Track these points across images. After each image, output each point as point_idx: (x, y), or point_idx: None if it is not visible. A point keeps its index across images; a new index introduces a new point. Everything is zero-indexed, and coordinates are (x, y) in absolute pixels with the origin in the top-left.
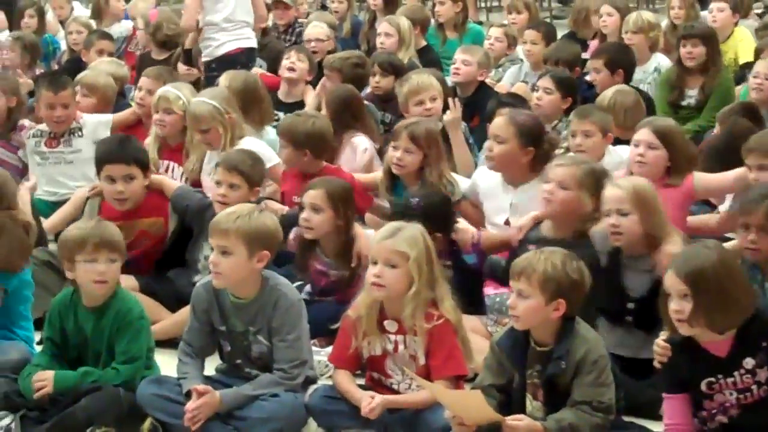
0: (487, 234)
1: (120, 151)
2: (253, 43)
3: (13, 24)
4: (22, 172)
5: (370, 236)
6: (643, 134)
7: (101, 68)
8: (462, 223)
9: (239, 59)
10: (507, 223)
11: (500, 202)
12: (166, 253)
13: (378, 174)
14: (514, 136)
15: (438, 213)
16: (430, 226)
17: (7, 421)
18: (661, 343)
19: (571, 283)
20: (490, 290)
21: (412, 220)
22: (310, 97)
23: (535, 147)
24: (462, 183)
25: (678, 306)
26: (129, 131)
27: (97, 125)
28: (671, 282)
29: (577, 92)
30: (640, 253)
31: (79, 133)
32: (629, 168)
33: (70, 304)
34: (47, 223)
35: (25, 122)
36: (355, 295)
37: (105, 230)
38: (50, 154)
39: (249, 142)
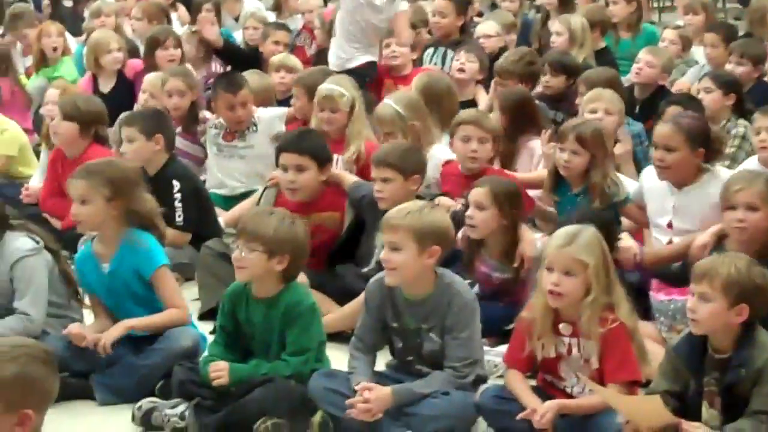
0: (651, 251)
1: (295, 141)
2: (376, 55)
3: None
4: (203, 162)
5: (534, 239)
6: None
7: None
8: (624, 241)
9: (368, 72)
10: (670, 225)
11: (664, 204)
12: (338, 247)
13: (542, 172)
14: (684, 142)
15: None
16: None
17: (181, 408)
18: None
19: (754, 288)
20: (661, 296)
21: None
22: (482, 97)
23: (705, 147)
24: (628, 185)
25: None
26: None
27: (273, 120)
28: None
29: (741, 88)
30: None
31: (254, 129)
32: None
33: (242, 294)
34: (227, 215)
35: (206, 114)
36: (522, 298)
37: (252, 218)
38: (226, 147)
39: (439, 151)
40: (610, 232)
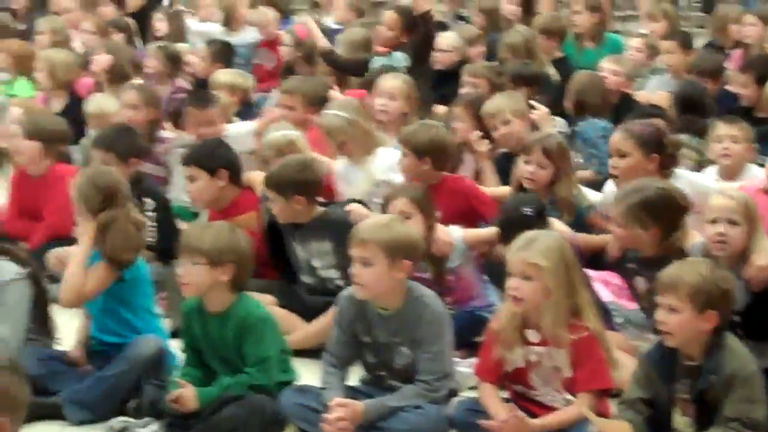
0: (584, 237)
1: (187, 153)
2: None
3: (147, 32)
4: (165, 182)
5: (447, 230)
6: None
7: (219, 79)
8: (557, 225)
9: None
10: None
11: None
12: (272, 254)
13: (505, 188)
14: (636, 147)
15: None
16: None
17: (153, 427)
18: None
19: (721, 293)
20: (633, 305)
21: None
22: None
23: (659, 153)
24: (591, 195)
25: None
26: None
27: (241, 137)
28: None
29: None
30: (735, 265)
31: None
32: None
33: (197, 310)
34: None
35: (165, 133)
36: (465, 294)
37: (191, 232)
38: None
39: (387, 154)
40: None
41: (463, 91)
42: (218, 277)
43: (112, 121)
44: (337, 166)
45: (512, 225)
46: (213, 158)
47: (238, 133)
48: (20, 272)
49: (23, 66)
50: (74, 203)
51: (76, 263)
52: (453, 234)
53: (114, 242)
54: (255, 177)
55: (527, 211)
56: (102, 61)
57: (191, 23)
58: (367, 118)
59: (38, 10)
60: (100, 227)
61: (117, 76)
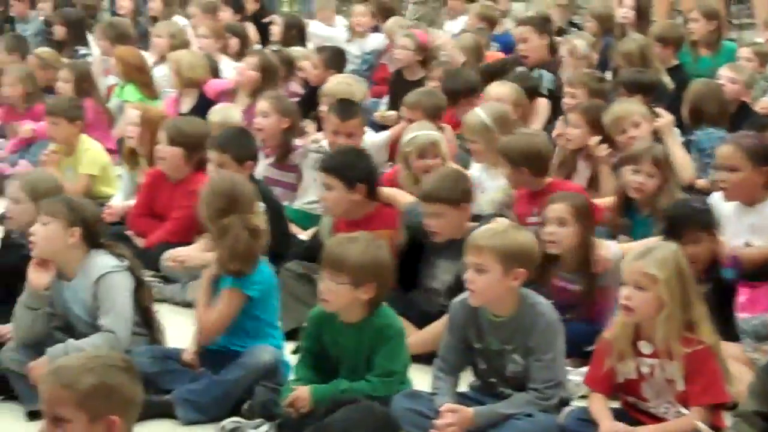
0: (746, 251)
1: (325, 160)
2: None
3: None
4: (295, 188)
5: (609, 244)
6: None
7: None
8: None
9: None
10: (747, 245)
11: (738, 225)
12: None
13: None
14: (746, 160)
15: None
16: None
17: (264, 428)
18: None
19: None
20: (744, 314)
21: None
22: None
23: None
24: None
25: None
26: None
27: (376, 148)
28: None
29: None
30: None
31: None
32: None
33: (329, 317)
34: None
35: (297, 141)
36: (604, 310)
37: (336, 247)
38: None
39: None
40: (705, 224)
41: (564, 100)
42: (359, 297)
43: None
44: (472, 171)
45: (683, 218)
46: (353, 170)
47: (373, 144)
48: (118, 265)
49: (130, 73)
50: (199, 211)
51: (199, 305)
52: (611, 250)
53: (223, 252)
54: (396, 194)
55: (695, 204)
56: (249, 76)
57: (314, 26)
58: (506, 128)
59: (141, 15)
60: (216, 236)
61: (256, 90)
